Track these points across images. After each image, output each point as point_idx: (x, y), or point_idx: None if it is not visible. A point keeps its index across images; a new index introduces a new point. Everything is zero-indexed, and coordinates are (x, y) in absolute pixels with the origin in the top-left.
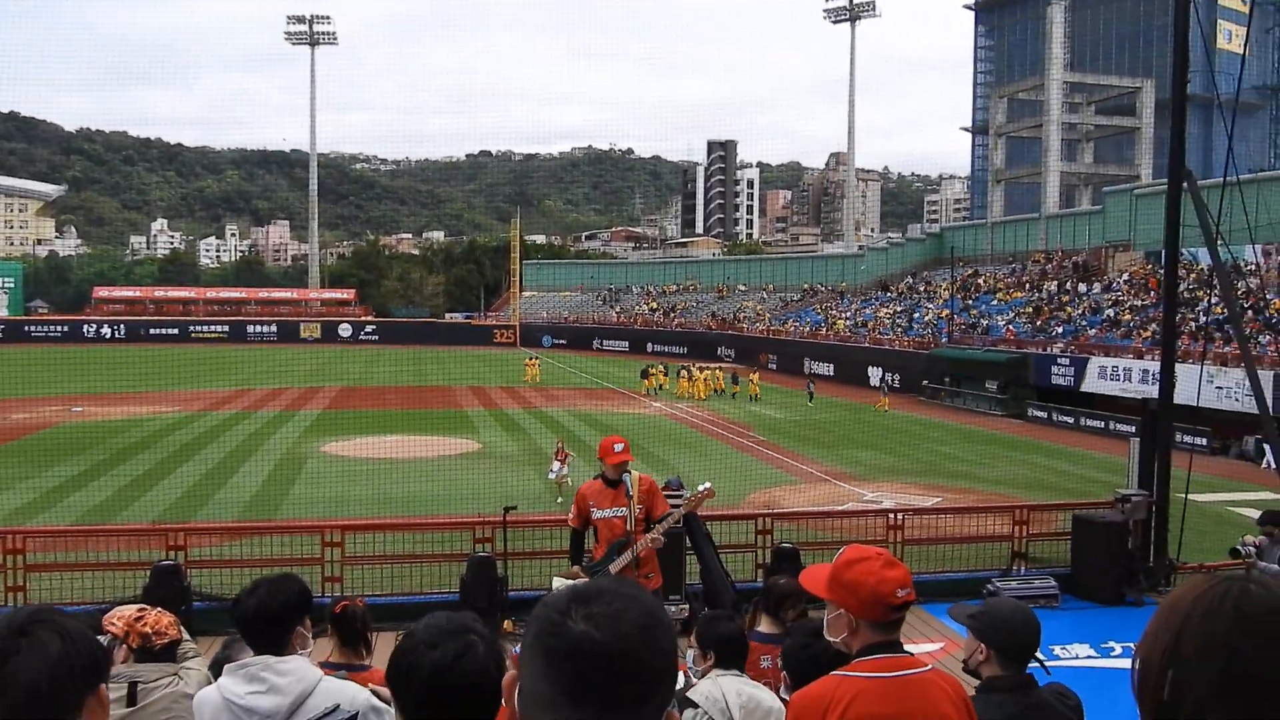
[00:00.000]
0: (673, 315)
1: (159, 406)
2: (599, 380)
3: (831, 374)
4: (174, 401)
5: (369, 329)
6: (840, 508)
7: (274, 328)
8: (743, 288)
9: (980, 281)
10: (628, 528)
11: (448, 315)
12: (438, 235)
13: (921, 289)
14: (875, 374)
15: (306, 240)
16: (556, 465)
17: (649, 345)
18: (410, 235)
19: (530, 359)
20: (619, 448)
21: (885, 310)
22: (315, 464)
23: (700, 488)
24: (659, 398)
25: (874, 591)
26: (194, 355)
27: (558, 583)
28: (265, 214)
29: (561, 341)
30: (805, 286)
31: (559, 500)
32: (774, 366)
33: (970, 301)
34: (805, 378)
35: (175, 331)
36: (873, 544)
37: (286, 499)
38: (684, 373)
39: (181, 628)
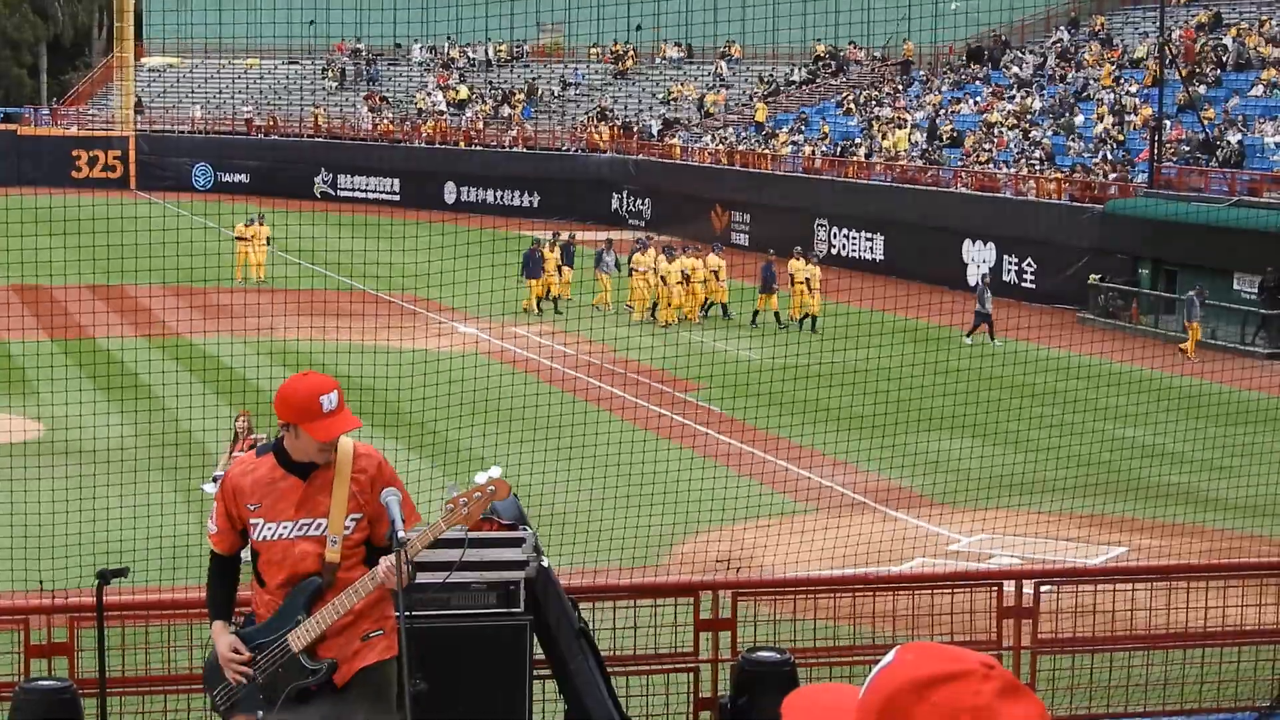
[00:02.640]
0: (507, 118)
1: None
2: (341, 274)
3: (879, 257)
4: None
5: None
6: (898, 569)
7: None
8: (675, 52)
9: (1226, 42)
10: (325, 559)
11: None
12: None
13: (1087, 56)
14: (979, 254)
15: None
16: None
17: (448, 189)
18: None
19: (248, 224)
20: (330, 399)
21: (1000, 108)
22: None
23: (482, 477)
24: (546, 319)
25: None
26: None
27: None
28: None
29: (238, 178)
30: (819, 48)
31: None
32: (745, 238)
33: (1201, 87)
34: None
35: None
36: (961, 648)
37: None
38: (638, 261)
39: None
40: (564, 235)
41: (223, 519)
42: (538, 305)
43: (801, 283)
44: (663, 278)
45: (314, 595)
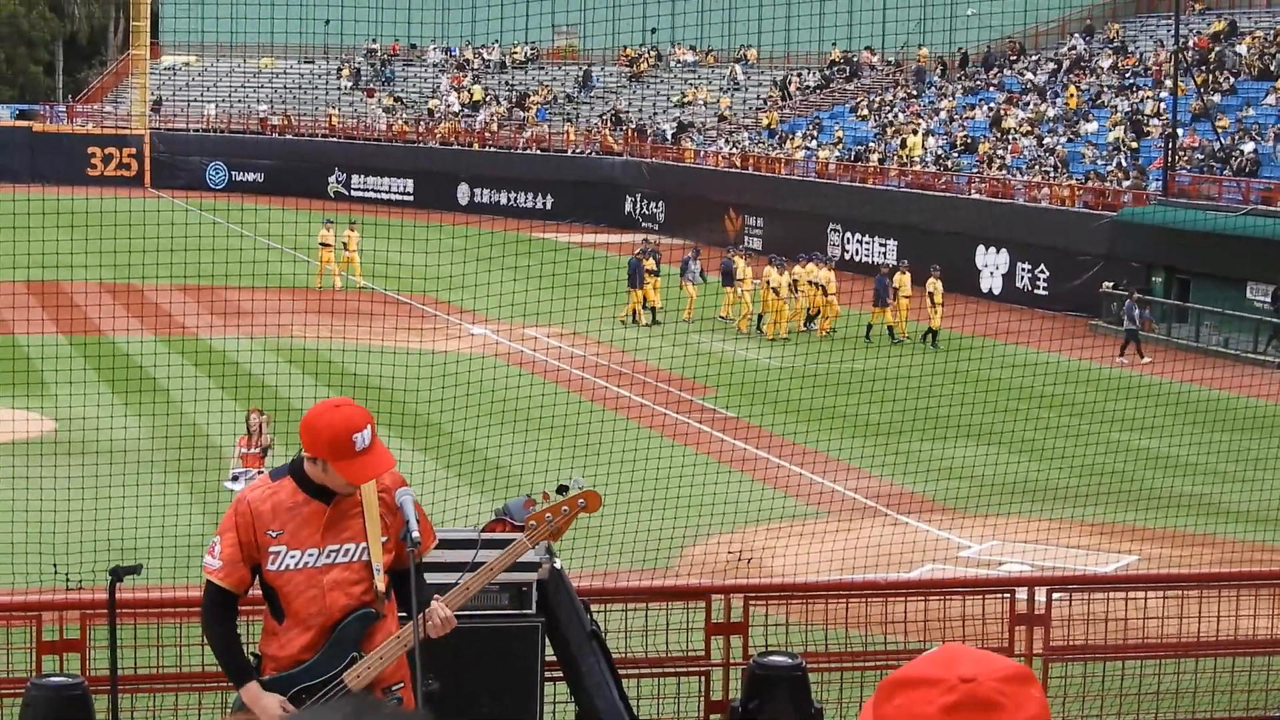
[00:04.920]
0: (522, 118)
1: None
2: (354, 274)
3: (892, 262)
4: None
5: None
6: (908, 575)
7: None
8: (687, 55)
9: (1240, 50)
10: (376, 588)
11: None
12: None
13: (1104, 64)
14: (991, 261)
15: None
16: (245, 467)
17: (462, 191)
18: None
19: (329, 226)
20: (364, 437)
21: (1014, 113)
22: None
23: (570, 484)
24: (640, 327)
25: None
26: None
27: None
28: None
29: (252, 177)
30: (833, 55)
31: None
32: (754, 241)
33: (1215, 98)
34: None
35: None
36: (991, 654)
37: None
38: (739, 268)
39: None
40: (652, 245)
41: (233, 549)
42: (633, 316)
43: (922, 296)
44: (774, 289)
45: (366, 627)
